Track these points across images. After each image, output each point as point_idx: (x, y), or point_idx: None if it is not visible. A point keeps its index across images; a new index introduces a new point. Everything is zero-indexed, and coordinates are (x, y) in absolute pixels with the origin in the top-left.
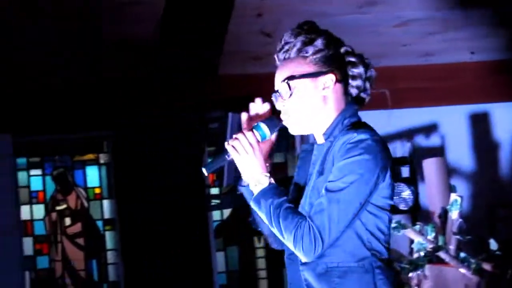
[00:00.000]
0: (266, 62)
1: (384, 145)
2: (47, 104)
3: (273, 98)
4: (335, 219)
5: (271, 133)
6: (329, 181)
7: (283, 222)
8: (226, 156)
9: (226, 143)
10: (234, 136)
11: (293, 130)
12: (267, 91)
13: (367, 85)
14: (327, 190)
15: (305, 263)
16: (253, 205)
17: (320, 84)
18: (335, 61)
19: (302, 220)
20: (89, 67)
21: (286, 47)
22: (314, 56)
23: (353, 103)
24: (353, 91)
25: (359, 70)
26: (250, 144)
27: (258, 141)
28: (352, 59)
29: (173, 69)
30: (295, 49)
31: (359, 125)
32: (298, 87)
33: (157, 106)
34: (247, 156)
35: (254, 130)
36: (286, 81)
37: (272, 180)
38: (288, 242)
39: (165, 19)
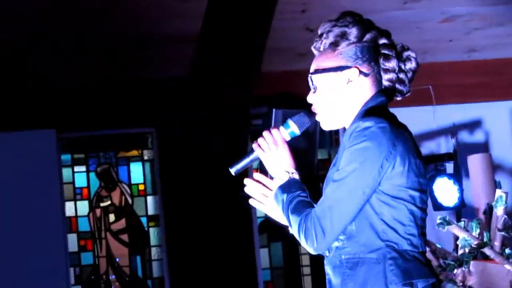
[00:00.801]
0: (310, 58)
1: (393, 132)
2: (92, 101)
3: None
4: (336, 208)
5: (300, 130)
6: (335, 171)
7: (291, 214)
8: (251, 155)
9: (254, 142)
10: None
11: (324, 125)
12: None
13: (404, 77)
14: (332, 180)
15: (326, 257)
16: (274, 201)
17: (344, 78)
18: (367, 53)
19: (308, 211)
20: (133, 64)
21: (320, 40)
22: (343, 49)
23: (380, 94)
24: (386, 84)
25: (391, 64)
26: (274, 141)
27: (283, 139)
28: (386, 52)
29: (217, 65)
30: (328, 42)
31: (369, 113)
32: (322, 81)
33: (201, 102)
34: (271, 153)
35: (282, 127)
36: (310, 76)
37: (295, 176)
38: (295, 234)
39: (208, 16)
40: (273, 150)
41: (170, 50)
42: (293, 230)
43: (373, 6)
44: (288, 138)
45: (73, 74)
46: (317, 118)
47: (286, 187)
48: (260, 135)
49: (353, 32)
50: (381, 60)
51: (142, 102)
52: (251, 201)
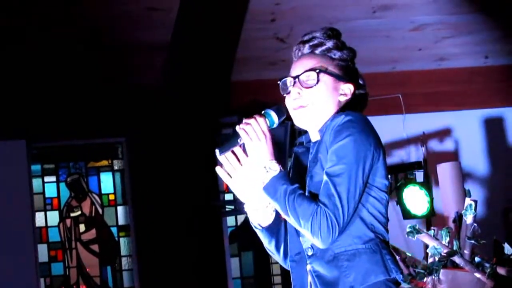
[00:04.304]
0: (280, 67)
1: (372, 126)
2: (62, 110)
3: (281, 83)
4: (346, 202)
5: (279, 121)
6: (328, 167)
7: (298, 208)
8: (238, 140)
9: (237, 127)
10: (245, 120)
11: (300, 121)
12: (281, 97)
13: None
14: (329, 175)
15: (312, 255)
16: (265, 192)
17: (340, 89)
18: (352, 75)
19: (317, 206)
20: (103, 73)
21: (316, 42)
22: (340, 62)
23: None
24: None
25: (364, 93)
26: (262, 131)
27: (268, 128)
28: (361, 82)
29: (187, 75)
30: (324, 48)
31: (344, 110)
32: (323, 81)
33: (172, 111)
34: (259, 143)
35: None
36: (317, 70)
37: (281, 168)
38: (305, 229)
39: (178, 25)
40: (262, 140)
41: (140, 59)
42: (302, 226)
43: (342, 15)
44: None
45: (43, 84)
46: (298, 112)
47: (282, 179)
48: (242, 121)
49: (346, 50)
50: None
51: (112, 112)
52: (217, 169)
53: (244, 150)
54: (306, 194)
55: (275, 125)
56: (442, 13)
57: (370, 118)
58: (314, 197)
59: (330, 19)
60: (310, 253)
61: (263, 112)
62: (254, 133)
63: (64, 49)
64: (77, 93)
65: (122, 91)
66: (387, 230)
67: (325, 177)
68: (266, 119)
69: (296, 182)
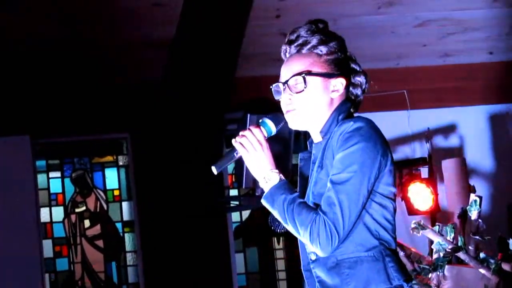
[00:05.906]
0: None
1: (381, 132)
2: (66, 106)
3: (274, 88)
4: (347, 210)
5: (276, 128)
6: (333, 174)
7: (297, 217)
8: (235, 154)
9: (233, 140)
10: (240, 133)
11: (294, 125)
12: None
13: (360, 93)
14: (333, 182)
15: (315, 260)
16: (264, 202)
17: (331, 86)
18: (343, 66)
19: (316, 215)
20: (108, 69)
21: (300, 41)
22: (328, 57)
23: (346, 101)
24: (352, 97)
25: (361, 79)
26: (258, 141)
27: (265, 138)
28: (356, 67)
29: (191, 71)
30: (309, 46)
31: (350, 115)
32: (312, 83)
33: (176, 107)
34: (256, 153)
35: (260, 126)
36: (303, 75)
37: (282, 176)
38: (304, 238)
39: (183, 21)
40: (259, 150)
41: (144, 55)
42: (301, 235)
43: (347, 11)
44: (266, 137)
45: (47, 80)
46: (288, 116)
47: (281, 188)
48: (238, 134)
49: (333, 42)
50: (352, 75)
51: (116, 108)
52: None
53: (240, 162)
54: (311, 202)
55: (273, 133)
56: (447, 9)
57: (375, 114)
58: (316, 205)
59: (334, 15)
60: (313, 258)
61: (259, 121)
62: (250, 144)
63: (68, 45)
64: (81, 88)
65: (127, 86)
66: (394, 238)
67: (329, 184)
68: (263, 129)
69: (300, 189)
